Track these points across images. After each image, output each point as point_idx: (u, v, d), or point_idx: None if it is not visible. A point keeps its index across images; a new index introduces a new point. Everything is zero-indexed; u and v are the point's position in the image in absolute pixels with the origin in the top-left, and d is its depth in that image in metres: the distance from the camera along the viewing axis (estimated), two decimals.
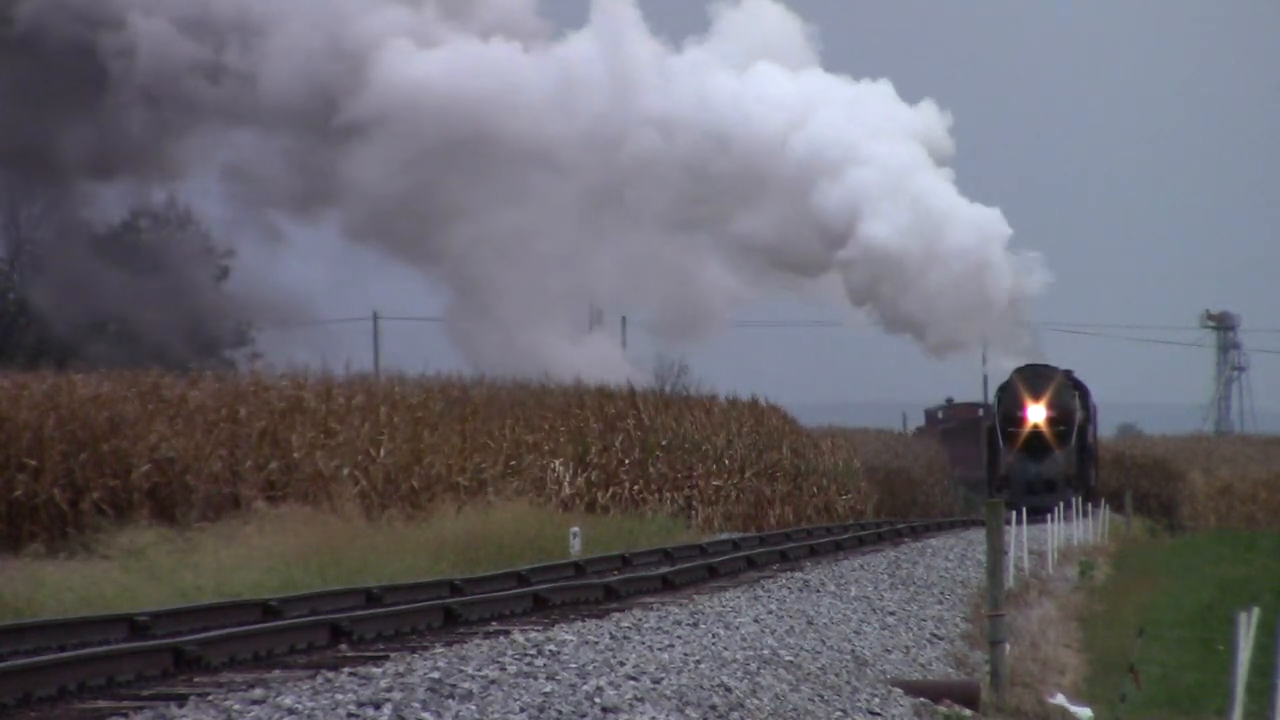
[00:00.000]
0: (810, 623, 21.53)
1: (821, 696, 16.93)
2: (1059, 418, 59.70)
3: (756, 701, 15.76)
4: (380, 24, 57.64)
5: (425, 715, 13.09)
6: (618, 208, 63.30)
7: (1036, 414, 59.76)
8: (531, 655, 16.17)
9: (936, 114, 62.50)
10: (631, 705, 14.31)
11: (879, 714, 17.05)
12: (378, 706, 13.12)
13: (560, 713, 13.69)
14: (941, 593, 28.11)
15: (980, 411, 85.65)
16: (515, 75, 58.67)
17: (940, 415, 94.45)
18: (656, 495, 50.65)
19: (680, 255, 65.74)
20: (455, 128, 57.92)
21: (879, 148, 59.86)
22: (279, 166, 60.46)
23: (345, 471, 40.35)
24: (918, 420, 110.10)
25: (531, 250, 63.30)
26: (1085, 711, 20.81)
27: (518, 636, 18.00)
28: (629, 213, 63.96)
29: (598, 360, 58.85)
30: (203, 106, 57.62)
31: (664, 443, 51.86)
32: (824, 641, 20.26)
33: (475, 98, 57.76)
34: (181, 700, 13.71)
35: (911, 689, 18.58)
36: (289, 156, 59.92)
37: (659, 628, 19.27)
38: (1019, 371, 60.67)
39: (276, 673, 16.13)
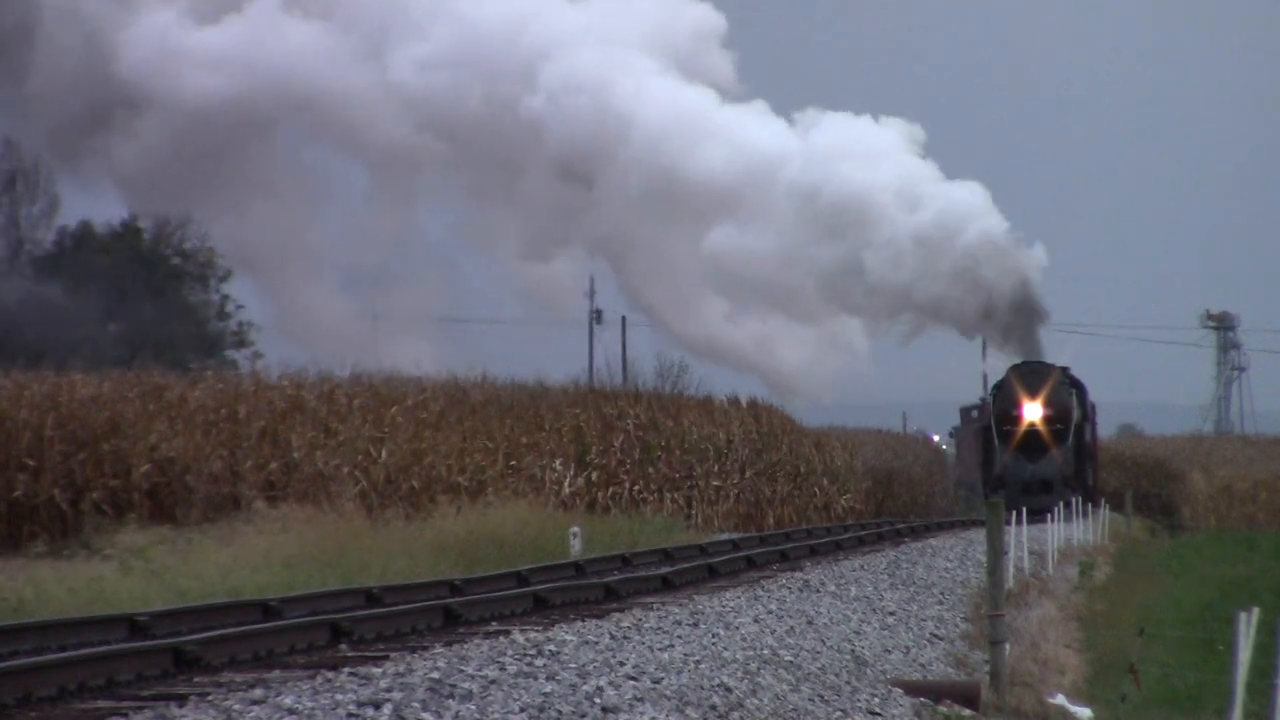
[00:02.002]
0: (810, 623, 21.52)
1: (821, 696, 16.93)
2: (1055, 416, 58.80)
3: (756, 701, 15.77)
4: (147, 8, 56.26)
5: (425, 715, 13.09)
6: (423, 179, 61.35)
7: (1032, 412, 58.89)
8: (531, 655, 16.17)
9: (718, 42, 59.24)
10: (631, 705, 14.31)
11: (879, 714, 17.05)
12: (378, 706, 13.11)
13: (560, 713, 13.69)
14: (941, 593, 28.11)
15: None
16: (305, 43, 56.79)
17: (975, 414, 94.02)
18: (656, 495, 50.65)
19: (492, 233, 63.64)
20: (237, 104, 56.10)
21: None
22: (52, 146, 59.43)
23: (345, 471, 40.36)
24: (918, 420, 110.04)
25: (322, 237, 61.53)
26: (1085, 711, 20.81)
27: (518, 636, 18.00)
28: (437, 184, 61.88)
29: (408, 359, 56.35)
30: None
31: (664, 443, 51.85)
32: (824, 641, 20.26)
33: (262, 70, 55.95)
34: (181, 700, 13.71)
35: (911, 689, 18.58)
36: (61, 136, 58.74)
37: (659, 628, 19.26)
38: (1015, 369, 59.90)
39: (276, 673, 16.13)
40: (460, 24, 57.13)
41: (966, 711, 18.58)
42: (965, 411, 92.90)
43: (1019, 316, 61.00)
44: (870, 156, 58.67)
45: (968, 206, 59.44)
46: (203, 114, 55.36)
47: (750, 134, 58.21)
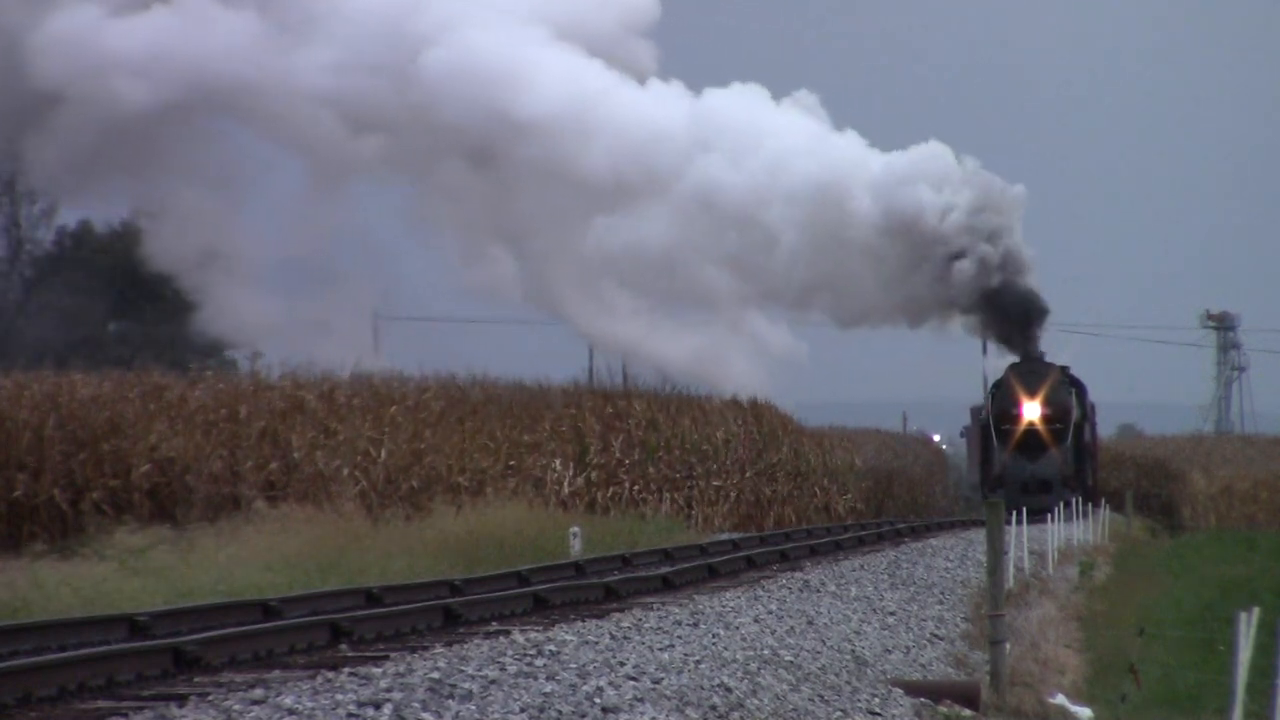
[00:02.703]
0: (810, 623, 21.52)
1: (821, 696, 16.93)
2: (1055, 415, 58.39)
3: (756, 701, 15.77)
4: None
5: (425, 715, 13.09)
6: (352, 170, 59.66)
7: (1032, 411, 58.49)
8: (531, 655, 16.17)
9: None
10: (631, 705, 14.31)
11: (879, 714, 17.05)
12: (378, 706, 13.12)
13: (560, 713, 13.69)
14: (942, 593, 28.11)
15: None
16: (235, 34, 55.10)
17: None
18: (656, 495, 50.64)
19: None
20: (164, 98, 54.26)
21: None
22: None
23: (345, 471, 40.34)
24: (918, 421, 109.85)
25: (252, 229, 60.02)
26: (1085, 711, 20.81)
27: (518, 636, 18.00)
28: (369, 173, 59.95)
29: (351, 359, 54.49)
30: None
31: (664, 443, 51.82)
32: (824, 641, 20.26)
33: (191, 63, 54.19)
34: (181, 700, 13.71)
35: (911, 689, 18.58)
36: None
37: (659, 628, 19.27)
38: (1013, 368, 59.56)
39: (276, 673, 16.13)
40: (362, 13, 55.99)
41: (966, 711, 18.58)
42: (976, 411, 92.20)
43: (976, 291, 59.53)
44: (768, 136, 57.64)
45: (860, 174, 58.08)
46: (128, 108, 54.13)
47: (646, 117, 56.80)
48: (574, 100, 55.44)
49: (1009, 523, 32.61)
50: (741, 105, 58.50)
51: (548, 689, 14.41)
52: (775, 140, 57.56)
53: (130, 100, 53.84)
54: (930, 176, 58.93)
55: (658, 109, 57.33)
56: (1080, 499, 55.36)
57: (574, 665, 15.68)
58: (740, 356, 61.59)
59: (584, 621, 20.47)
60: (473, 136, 55.59)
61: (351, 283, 60.38)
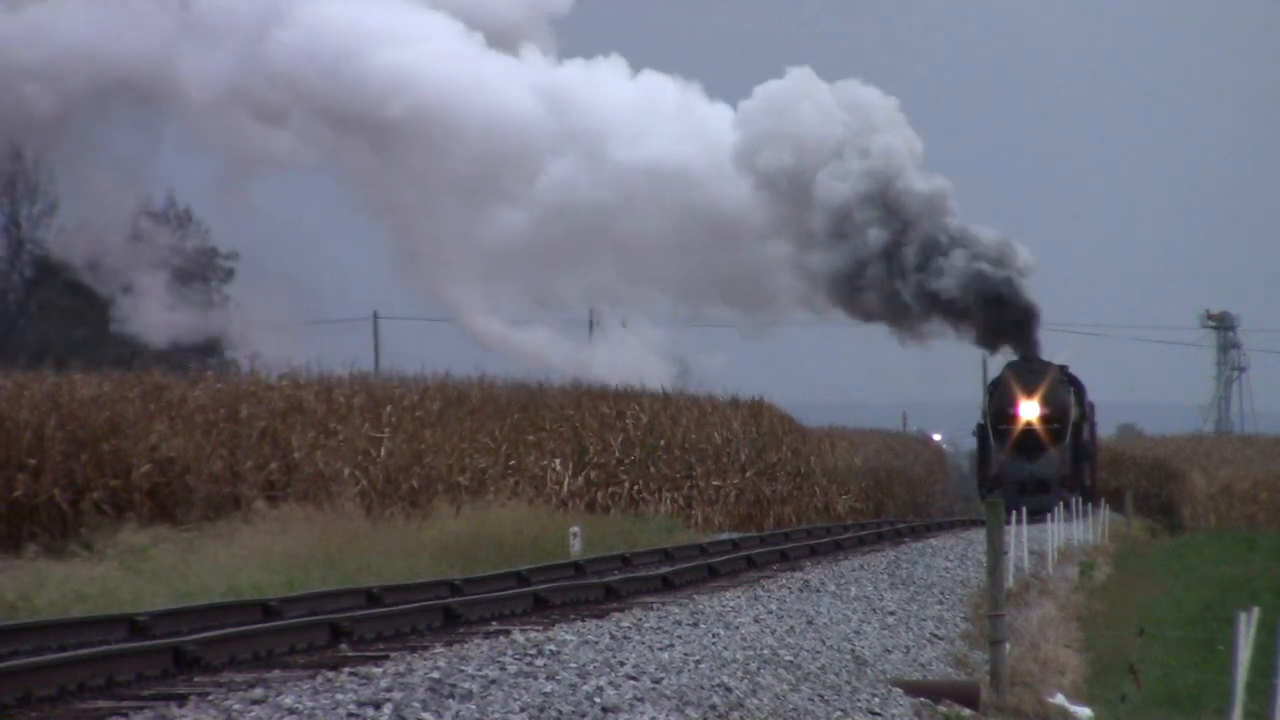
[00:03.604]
0: (810, 623, 21.53)
1: (821, 696, 16.94)
2: (1053, 415, 58.05)
3: (756, 701, 15.77)
4: None
5: (425, 715, 13.10)
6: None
7: (1029, 411, 58.16)
8: (531, 655, 16.18)
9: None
10: (631, 705, 14.31)
11: (879, 714, 17.06)
12: (378, 706, 13.12)
13: (560, 713, 13.69)
14: (941, 593, 28.11)
15: None
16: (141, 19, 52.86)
17: None
18: (656, 495, 50.65)
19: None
20: (68, 88, 51.89)
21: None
22: None
23: (345, 471, 40.34)
24: (918, 421, 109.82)
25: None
26: (1085, 711, 20.82)
27: (518, 636, 18.00)
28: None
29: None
30: None
31: (664, 442, 51.81)
32: (824, 641, 20.26)
33: (98, 49, 51.69)
34: (181, 700, 13.71)
35: (911, 689, 18.58)
36: None
37: (659, 628, 19.27)
38: (1011, 367, 59.25)
39: (276, 673, 16.14)
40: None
41: (966, 711, 18.59)
42: None
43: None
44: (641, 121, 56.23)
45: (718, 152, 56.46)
46: (33, 111, 52.92)
47: (502, 104, 54.43)
48: (428, 84, 53.57)
49: (1009, 523, 32.56)
50: (598, 85, 56.77)
51: (548, 689, 14.42)
52: (630, 124, 55.92)
53: (35, 103, 52.60)
54: (793, 128, 57.16)
55: (516, 93, 55.45)
56: (1079, 499, 55.15)
57: (574, 665, 15.69)
58: (657, 366, 60.28)
59: (584, 621, 20.49)
60: (344, 116, 54.06)
61: (275, 278, 58.85)
